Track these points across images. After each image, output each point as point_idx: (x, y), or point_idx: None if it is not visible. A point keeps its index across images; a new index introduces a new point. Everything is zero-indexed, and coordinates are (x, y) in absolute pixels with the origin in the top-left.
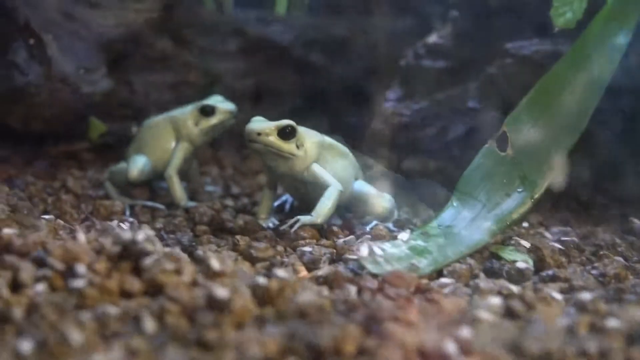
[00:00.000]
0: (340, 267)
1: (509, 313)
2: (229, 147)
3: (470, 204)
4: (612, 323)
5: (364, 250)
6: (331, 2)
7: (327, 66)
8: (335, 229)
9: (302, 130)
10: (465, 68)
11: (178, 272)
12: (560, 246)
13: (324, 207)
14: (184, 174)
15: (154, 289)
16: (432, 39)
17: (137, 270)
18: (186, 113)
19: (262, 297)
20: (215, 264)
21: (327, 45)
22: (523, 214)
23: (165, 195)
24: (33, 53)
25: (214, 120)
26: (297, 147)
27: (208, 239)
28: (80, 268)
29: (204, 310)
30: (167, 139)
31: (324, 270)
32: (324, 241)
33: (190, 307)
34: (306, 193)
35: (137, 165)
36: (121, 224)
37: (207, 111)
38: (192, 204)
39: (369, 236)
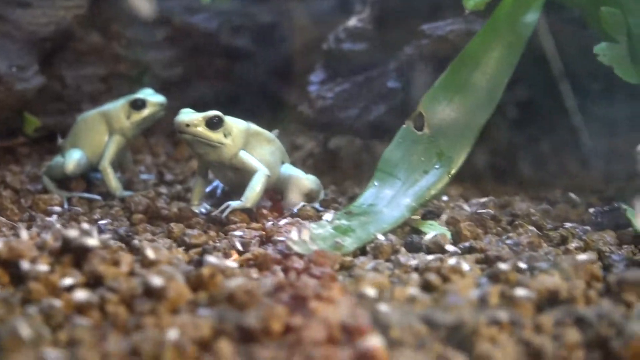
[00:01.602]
0: (269, 249)
1: (426, 287)
2: (160, 134)
3: (390, 183)
4: (520, 292)
5: (294, 233)
6: None
7: (254, 51)
8: (264, 211)
9: (228, 119)
10: (384, 50)
11: (116, 263)
12: (476, 217)
13: (253, 191)
14: (117, 165)
15: (95, 281)
16: (352, 22)
17: (79, 264)
18: (118, 107)
19: (195, 282)
20: (150, 253)
21: (254, 30)
22: (441, 189)
23: (101, 185)
24: None
25: (144, 113)
26: (225, 135)
27: (144, 227)
28: (25, 264)
29: (141, 298)
30: (100, 133)
31: (254, 252)
32: (254, 224)
33: (128, 296)
34: (235, 179)
35: (74, 158)
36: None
37: (138, 105)
38: (127, 193)
39: (297, 218)
